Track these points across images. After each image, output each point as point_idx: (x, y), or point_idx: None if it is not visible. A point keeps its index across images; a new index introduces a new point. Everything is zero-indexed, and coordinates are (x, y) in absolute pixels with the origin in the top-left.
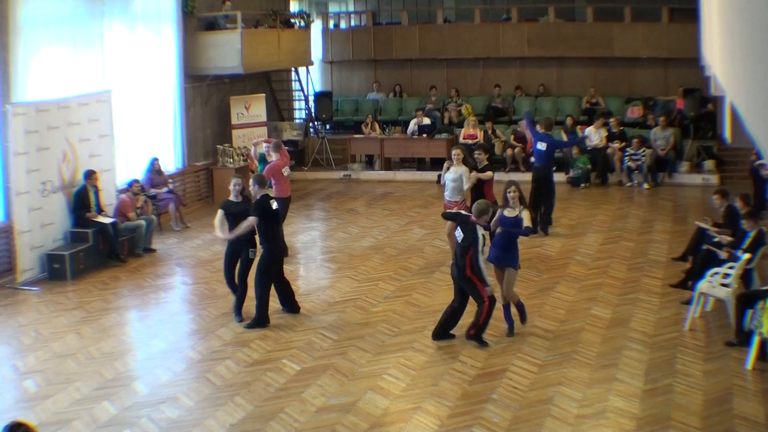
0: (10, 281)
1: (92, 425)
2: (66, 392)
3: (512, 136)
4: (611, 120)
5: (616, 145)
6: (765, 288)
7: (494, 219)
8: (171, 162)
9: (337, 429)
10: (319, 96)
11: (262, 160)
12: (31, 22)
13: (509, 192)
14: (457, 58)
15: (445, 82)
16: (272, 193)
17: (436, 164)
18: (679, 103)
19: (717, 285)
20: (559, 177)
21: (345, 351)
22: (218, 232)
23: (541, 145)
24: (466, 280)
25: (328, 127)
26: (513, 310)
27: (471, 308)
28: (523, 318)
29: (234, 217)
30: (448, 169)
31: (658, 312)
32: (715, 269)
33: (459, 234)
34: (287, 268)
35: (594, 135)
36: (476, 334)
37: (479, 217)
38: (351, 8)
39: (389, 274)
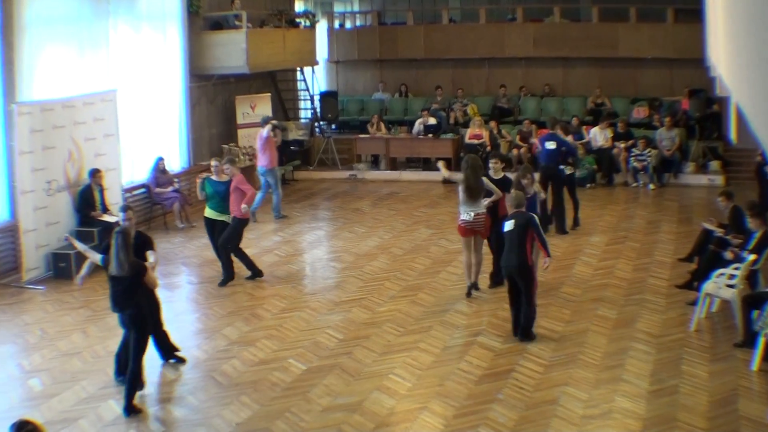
0: (16, 280)
1: (98, 424)
2: (72, 391)
3: (518, 136)
4: (619, 122)
5: (622, 145)
6: None
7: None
8: (176, 161)
9: (343, 428)
10: (324, 96)
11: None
12: (36, 21)
13: (524, 179)
14: (462, 58)
15: (451, 82)
16: (220, 217)
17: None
18: (684, 103)
19: (723, 286)
20: None
21: (351, 350)
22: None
23: (550, 145)
24: (526, 271)
25: (333, 126)
26: None
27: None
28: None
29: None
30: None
31: (663, 313)
32: (721, 270)
33: (509, 224)
34: (295, 267)
35: (599, 135)
36: (529, 334)
37: (519, 207)
38: (356, 8)
39: (395, 274)
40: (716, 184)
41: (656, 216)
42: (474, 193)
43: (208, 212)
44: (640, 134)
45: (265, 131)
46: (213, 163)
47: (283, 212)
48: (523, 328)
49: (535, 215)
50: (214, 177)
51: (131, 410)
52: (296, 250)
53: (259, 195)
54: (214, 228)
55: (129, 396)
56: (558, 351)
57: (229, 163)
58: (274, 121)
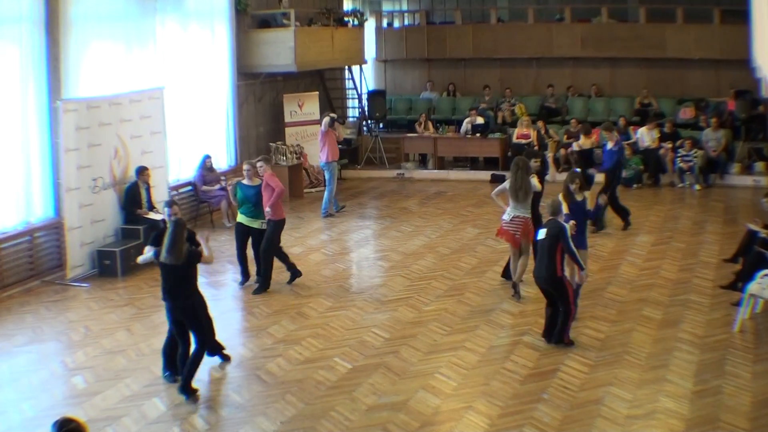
0: (60, 277)
1: (141, 422)
2: (115, 389)
3: (565, 136)
4: (666, 122)
5: (669, 145)
6: None
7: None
8: (224, 159)
9: (388, 428)
10: (372, 94)
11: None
12: (82, 18)
13: (572, 184)
14: (510, 57)
15: (499, 82)
16: (252, 223)
17: (490, 164)
18: (730, 104)
19: (767, 287)
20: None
21: (397, 349)
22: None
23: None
24: (557, 282)
25: (381, 125)
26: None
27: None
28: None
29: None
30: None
31: (708, 313)
32: (765, 271)
33: (542, 232)
34: (342, 266)
35: (646, 136)
36: (569, 340)
37: (556, 214)
38: (404, 7)
39: (442, 273)
40: (761, 185)
41: (702, 217)
42: (518, 195)
43: (241, 218)
44: (686, 135)
45: (322, 125)
46: (245, 166)
47: (330, 211)
48: (557, 334)
49: (566, 226)
50: (245, 181)
51: (189, 392)
52: (343, 248)
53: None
54: (248, 234)
55: (189, 377)
56: (603, 351)
57: (262, 161)
58: (332, 115)
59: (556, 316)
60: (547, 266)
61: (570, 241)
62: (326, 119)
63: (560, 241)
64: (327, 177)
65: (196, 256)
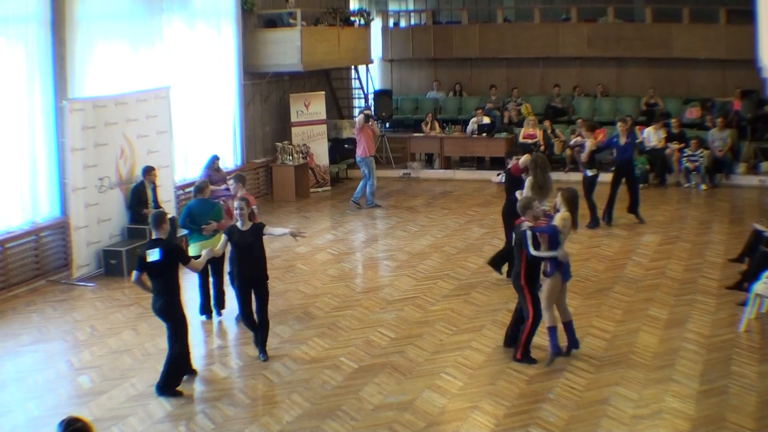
0: (66, 277)
1: (147, 421)
2: (121, 388)
3: (572, 136)
4: (672, 121)
5: (675, 146)
6: None
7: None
8: (230, 159)
9: (394, 427)
10: (378, 94)
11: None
12: (89, 18)
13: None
14: (516, 57)
15: (505, 82)
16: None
17: (496, 163)
18: (736, 104)
19: None
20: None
21: (403, 349)
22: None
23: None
24: (519, 288)
25: (387, 125)
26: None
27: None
28: (571, 342)
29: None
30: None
31: (714, 313)
32: None
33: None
34: (348, 265)
35: (653, 136)
36: (523, 355)
37: (524, 213)
38: (411, 7)
39: (448, 273)
40: (767, 185)
41: (708, 216)
42: (543, 191)
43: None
44: (692, 135)
45: (357, 122)
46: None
47: (376, 201)
48: (515, 347)
49: (528, 232)
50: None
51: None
52: (349, 248)
53: (361, 183)
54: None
55: (264, 342)
56: (609, 351)
57: (233, 180)
58: (366, 111)
59: (520, 322)
60: (514, 269)
61: (530, 248)
62: (361, 116)
63: (523, 248)
64: (365, 171)
65: (261, 225)
